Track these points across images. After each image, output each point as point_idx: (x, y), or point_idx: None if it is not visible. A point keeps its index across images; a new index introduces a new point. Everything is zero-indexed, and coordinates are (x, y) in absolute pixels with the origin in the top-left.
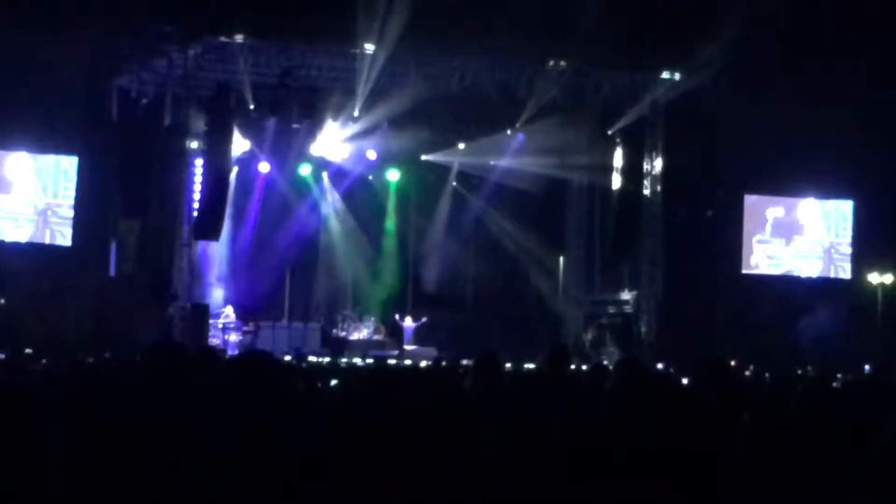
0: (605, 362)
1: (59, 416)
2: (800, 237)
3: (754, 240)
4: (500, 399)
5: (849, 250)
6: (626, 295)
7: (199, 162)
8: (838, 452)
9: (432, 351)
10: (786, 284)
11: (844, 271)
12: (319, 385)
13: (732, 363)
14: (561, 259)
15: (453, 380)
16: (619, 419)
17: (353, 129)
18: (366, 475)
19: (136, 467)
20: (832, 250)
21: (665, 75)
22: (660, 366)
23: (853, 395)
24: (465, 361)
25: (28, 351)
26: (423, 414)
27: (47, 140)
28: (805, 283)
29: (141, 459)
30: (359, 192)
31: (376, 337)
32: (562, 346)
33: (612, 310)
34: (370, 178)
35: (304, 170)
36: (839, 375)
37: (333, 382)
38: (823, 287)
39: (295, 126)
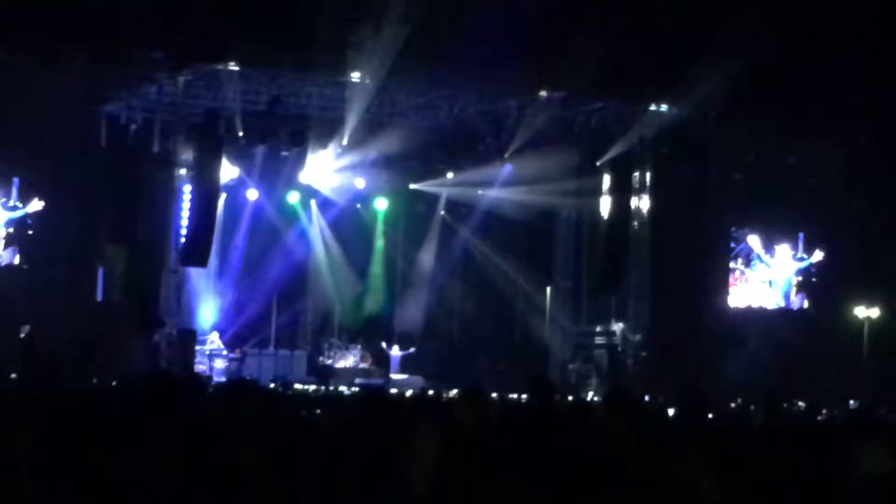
0: (591, 395)
1: (42, 443)
2: (785, 271)
3: (741, 273)
4: (486, 430)
5: (836, 284)
6: (613, 326)
7: (187, 188)
8: (822, 484)
9: (419, 380)
10: (773, 317)
11: (830, 306)
12: (304, 413)
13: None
14: (548, 290)
15: (443, 410)
16: (607, 450)
17: (342, 157)
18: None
19: (117, 496)
20: (818, 285)
21: (653, 107)
22: (646, 398)
23: (837, 429)
24: (452, 392)
25: (13, 376)
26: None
27: (36, 166)
28: (793, 316)
29: (124, 487)
30: (347, 220)
31: (362, 365)
32: (543, 378)
33: (598, 341)
34: (358, 206)
35: (293, 197)
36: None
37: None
38: (809, 320)
39: (284, 154)
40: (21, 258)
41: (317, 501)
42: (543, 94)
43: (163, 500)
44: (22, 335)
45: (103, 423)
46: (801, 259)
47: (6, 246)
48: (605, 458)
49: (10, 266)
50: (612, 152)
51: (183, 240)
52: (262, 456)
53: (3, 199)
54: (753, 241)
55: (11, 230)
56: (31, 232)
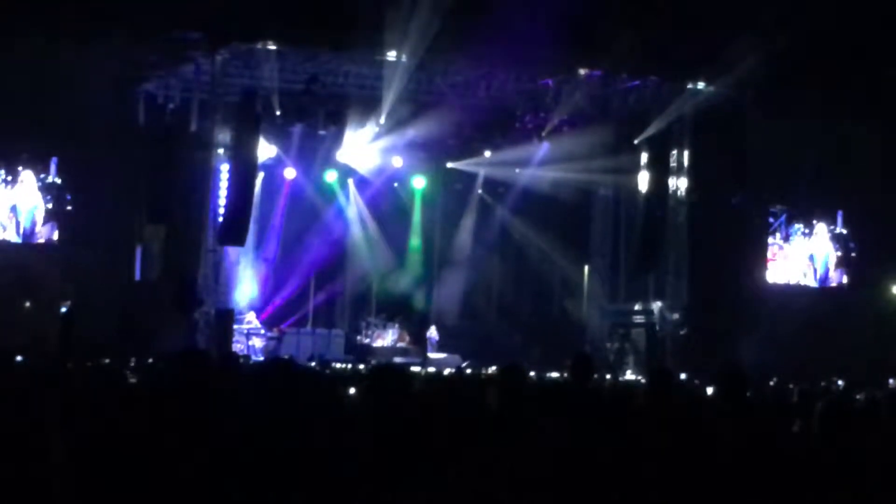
0: (629, 373)
1: (77, 421)
2: (823, 248)
3: (779, 248)
4: (525, 410)
5: (874, 262)
6: (651, 305)
7: (224, 167)
8: (859, 467)
9: (457, 359)
10: (811, 295)
11: (868, 283)
12: (341, 392)
13: None
14: (586, 268)
15: (473, 391)
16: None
17: (380, 136)
18: (382, 482)
19: (150, 473)
20: (856, 261)
21: (691, 85)
22: (683, 376)
23: (875, 409)
24: (490, 369)
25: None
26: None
27: (74, 145)
28: (831, 293)
29: (160, 465)
30: (384, 198)
31: (400, 344)
32: (586, 356)
33: (636, 319)
34: (396, 185)
35: (330, 176)
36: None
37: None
38: (848, 298)
39: (321, 132)
40: (60, 234)
41: (346, 483)
42: (581, 72)
43: (195, 478)
44: (63, 310)
45: (138, 399)
46: (840, 235)
47: (45, 222)
48: (647, 442)
49: (49, 242)
50: (650, 130)
51: (220, 219)
52: (294, 434)
53: (42, 175)
54: (793, 216)
55: (51, 206)
56: (69, 208)
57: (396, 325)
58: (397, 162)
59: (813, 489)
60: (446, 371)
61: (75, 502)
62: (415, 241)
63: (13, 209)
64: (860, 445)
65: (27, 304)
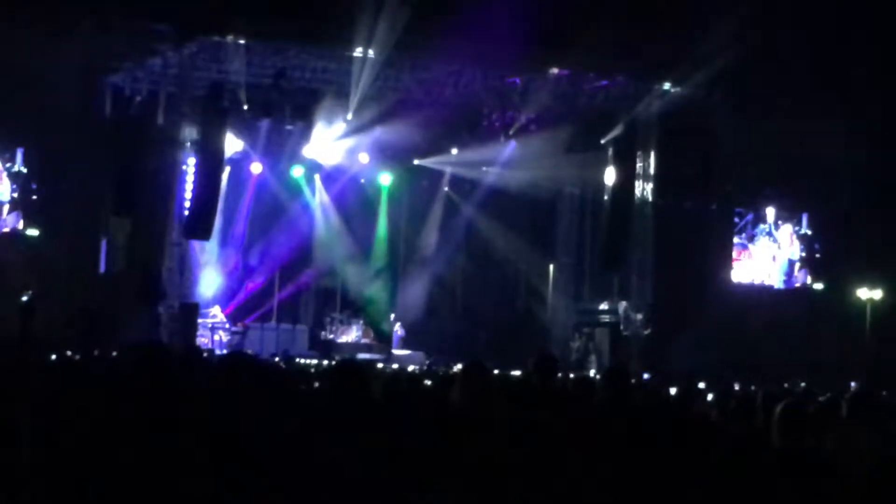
0: (593, 373)
1: (38, 412)
2: (788, 250)
3: (743, 248)
4: (488, 408)
5: (839, 264)
6: (615, 304)
7: (191, 161)
8: (817, 468)
9: (420, 356)
10: (776, 296)
11: (832, 285)
12: (304, 387)
13: None
14: (551, 267)
15: (436, 389)
16: (607, 427)
17: (347, 132)
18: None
19: (111, 465)
20: (821, 262)
21: (658, 86)
22: (646, 376)
23: (835, 412)
24: (454, 368)
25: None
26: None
27: (41, 136)
28: (796, 294)
29: (116, 457)
30: (351, 194)
31: (364, 340)
32: (549, 355)
33: (601, 319)
34: (362, 181)
35: (297, 171)
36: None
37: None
38: (812, 299)
39: (288, 127)
40: (25, 223)
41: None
42: (550, 71)
43: (156, 469)
44: (24, 298)
45: (100, 392)
46: (805, 236)
47: (10, 210)
48: (603, 438)
49: (14, 232)
50: (617, 130)
51: (186, 213)
52: (256, 426)
53: (9, 164)
54: (758, 216)
55: (16, 195)
56: (35, 198)
57: (361, 321)
58: (364, 158)
59: (772, 489)
60: (410, 368)
61: (40, 491)
62: (380, 237)
63: None
64: (819, 447)
65: None
